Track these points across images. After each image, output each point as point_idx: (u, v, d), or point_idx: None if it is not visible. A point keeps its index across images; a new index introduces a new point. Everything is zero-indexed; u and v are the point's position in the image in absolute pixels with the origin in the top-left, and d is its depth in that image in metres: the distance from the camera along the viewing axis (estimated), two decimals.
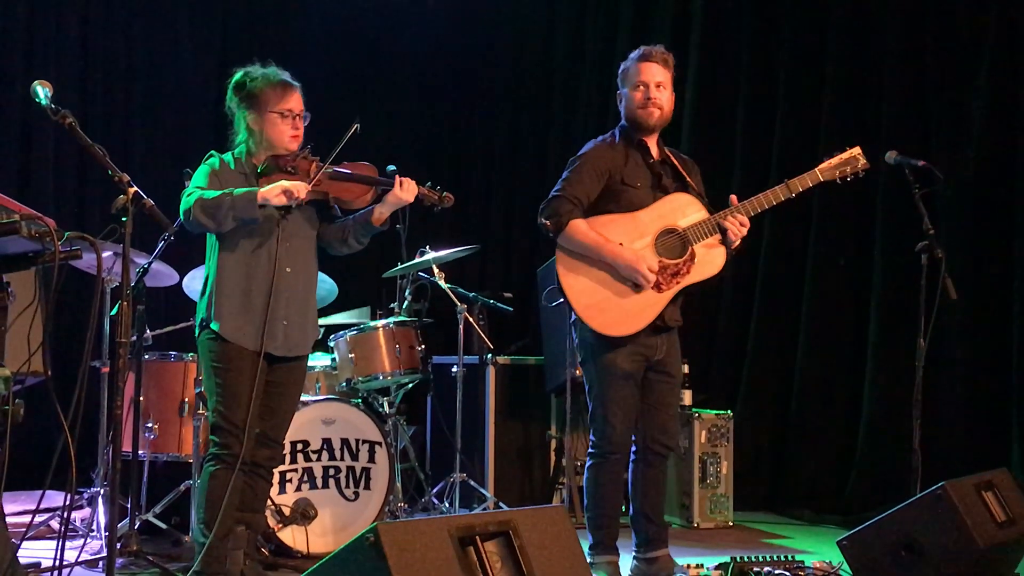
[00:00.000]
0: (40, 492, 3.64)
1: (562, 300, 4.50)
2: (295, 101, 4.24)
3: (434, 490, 6.17)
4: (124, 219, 3.29)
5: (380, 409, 5.85)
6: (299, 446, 5.20)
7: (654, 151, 4.57)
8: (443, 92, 8.79)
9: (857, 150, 4.53)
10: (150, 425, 5.38)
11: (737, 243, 4.43)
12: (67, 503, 3.47)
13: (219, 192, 4.04)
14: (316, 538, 5.11)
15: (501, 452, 6.56)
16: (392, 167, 4.58)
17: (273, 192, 4.01)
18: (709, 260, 4.39)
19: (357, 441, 5.37)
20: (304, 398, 5.33)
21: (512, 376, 6.68)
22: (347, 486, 5.32)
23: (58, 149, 7.34)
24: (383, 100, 8.53)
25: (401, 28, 8.48)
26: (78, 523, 5.41)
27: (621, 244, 4.38)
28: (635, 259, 4.33)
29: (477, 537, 2.91)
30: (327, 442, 5.28)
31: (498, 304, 6.54)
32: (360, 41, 8.48)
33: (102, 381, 5.44)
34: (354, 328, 5.70)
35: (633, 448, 4.58)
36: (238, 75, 4.28)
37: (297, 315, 4.28)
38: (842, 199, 6.83)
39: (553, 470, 6.74)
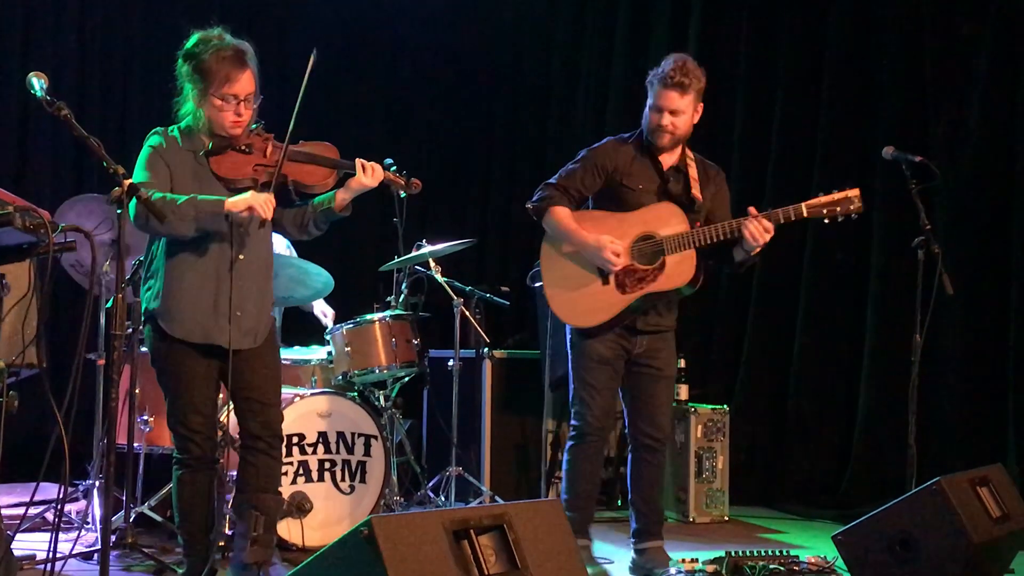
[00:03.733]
0: (44, 484, 3.64)
1: (540, 284, 4.63)
2: (241, 85, 3.89)
3: (430, 484, 6.17)
4: (119, 211, 3.28)
5: (376, 403, 5.85)
6: (295, 439, 5.19)
7: (667, 159, 4.58)
8: (442, 84, 8.77)
9: (856, 192, 4.42)
10: (145, 418, 5.37)
11: (755, 245, 4.35)
12: (61, 495, 3.46)
13: (184, 198, 3.76)
14: (312, 531, 5.11)
15: (497, 446, 6.55)
16: (389, 160, 4.56)
17: (239, 206, 3.75)
18: (677, 272, 4.42)
19: (353, 435, 5.36)
20: (300, 391, 5.34)
21: (508, 370, 6.68)
22: (343, 479, 5.31)
23: (56, 140, 7.33)
24: (381, 92, 8.52)
25: (400, 20, 8.46)
26: (74, 515, 5.41)
27: None
28: (599, 242, 4.41)
29: (471, 531, 2.91)
30: (323, 435, 5.28)
31: (495, 298, 6.53)
32: (359, 33, 8.45)
33: (98, 373, 5.44)
34: (350, 321, 5.70)
35: (630, 441, 4.65)
36: (191, 41, 3.97)
37: (252, 305, 4.03)
38: None
39: (549, 464, 6.74)
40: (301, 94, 3.90)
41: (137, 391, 5.19)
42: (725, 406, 6.54)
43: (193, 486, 4.01)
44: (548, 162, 8.15)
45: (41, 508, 5.44)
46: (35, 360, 3.99)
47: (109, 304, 4.64)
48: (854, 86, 6.87)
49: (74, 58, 7.50)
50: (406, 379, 5.95)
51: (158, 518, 5.32)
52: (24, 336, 3.17)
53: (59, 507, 3.53)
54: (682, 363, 6.63)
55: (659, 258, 4.41)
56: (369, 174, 4.01)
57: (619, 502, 6.79)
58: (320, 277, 5.61)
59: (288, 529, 5.07)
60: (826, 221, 4.41)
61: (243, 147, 3.96)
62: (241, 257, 3.96)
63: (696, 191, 4.52)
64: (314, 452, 5.25)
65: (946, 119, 6.43)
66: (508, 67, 8.69)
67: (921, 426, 4.97)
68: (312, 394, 5.33)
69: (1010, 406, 6.06)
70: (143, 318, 4.05)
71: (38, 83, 3.37)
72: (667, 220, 4.44)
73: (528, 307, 7.28)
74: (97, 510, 5.19)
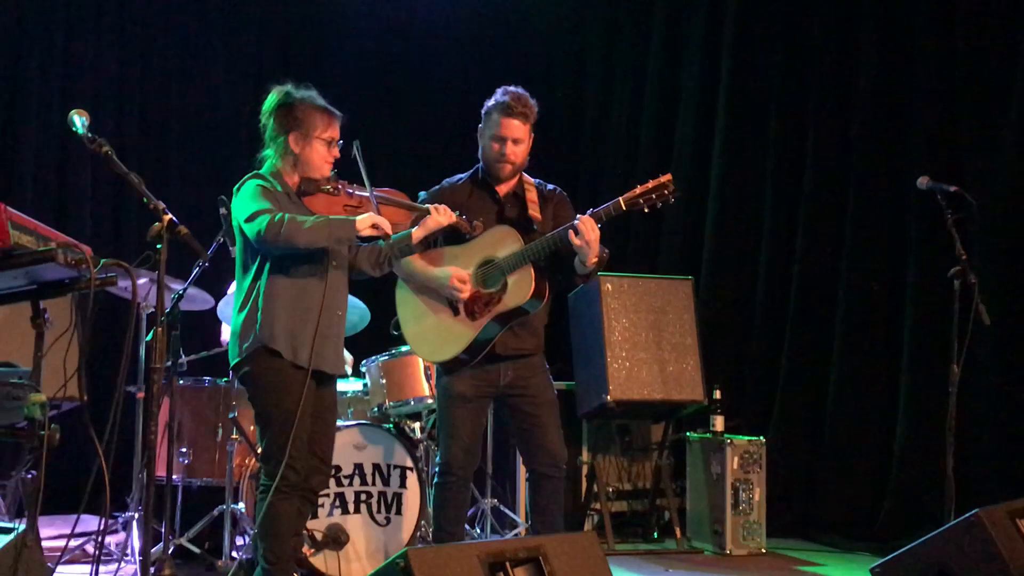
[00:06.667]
0: (75, 516, 3.67)
1: (399, 332, 4.74)
2: (337, 129, 4.29)
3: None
4: (159, 246, 3.32)
5: (411, 434, 5.86)
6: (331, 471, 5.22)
7: (504, 188, 4.68)
8: (474, 114, 8.81)
9: (668, 177, 4.41)
10: (184, 450, 5.42)
11: (584, 246, 4.32)
12: (101, 527, 3.50)
13: (315, 218, 4.06)
14: (348, 563, 5.13)
15: None
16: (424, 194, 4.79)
17: (366, 224, 4.08)
18: (518, 288, 4.47)
19: (388, 466, 5.39)
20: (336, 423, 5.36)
21: None
22: (379, 511, 5.33)
23: (95, 175, 7.43)
24: (414, 121, 8.58)
25: (432, 50, 8.53)
26: (113, 547, 5.45)
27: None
28: (444, 273, 4.52)
29: (507, 563, 2.93)
30: (359, 467, 5.30)
31: None
32: (391, 64, 8.53)
33: (137, 406, 5.49)
34: (385, 353, 5.73)
35: (527, 471, 4.69)
36: (279, 96, 4.26)
37: (342, 334, 4.37)
38: (874, 224, 6.83)
39: (584, 496, 6.73)
40: (365, 176, 4.24)
41: (176, 424, 5.24)
42: (761, 437, 6.50)
43: (288, 511, 4.13)
44: (580, 192, 8.17)
45: (81, 540, 5.48)
46: (76, 393, 4.04)
47: (149, 337, 4.69)
48: (887, 115, 6.85)
49: (113, 92, 7.61)
50: None
51: (196, 550, 5.36)
52: (66, 370, 3.21)
53: (100, 539, 3.57)
54: (717, 394, 6.61)
55: (501, 279, 4.50)
56: (443, 215, 4.32)
57: (655, 534, 6.77)
58: (356, 310, 5.66)
59: (325, 561, 5.09)
60: (646, 210, 4.40)
61: (332, 190, 4.27)
62: (337, 291, 4.28)
63: (533, 212, 4.61)
64: (350, 484, 5.27)
65: (980, 148, 6.40)
66: (540, 97, 8.71)
67: (959, 457, 4.93)
68: (348, 426, 5.36)
69: None
70: (244, 352, 4.15)
71: (80, 121, 3.41)
72: (503, 242, 4.52)
73: (561, 339, 7.29)
74: (136, 542, 5.23)
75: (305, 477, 4.19)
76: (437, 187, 4.74)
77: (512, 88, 4.66)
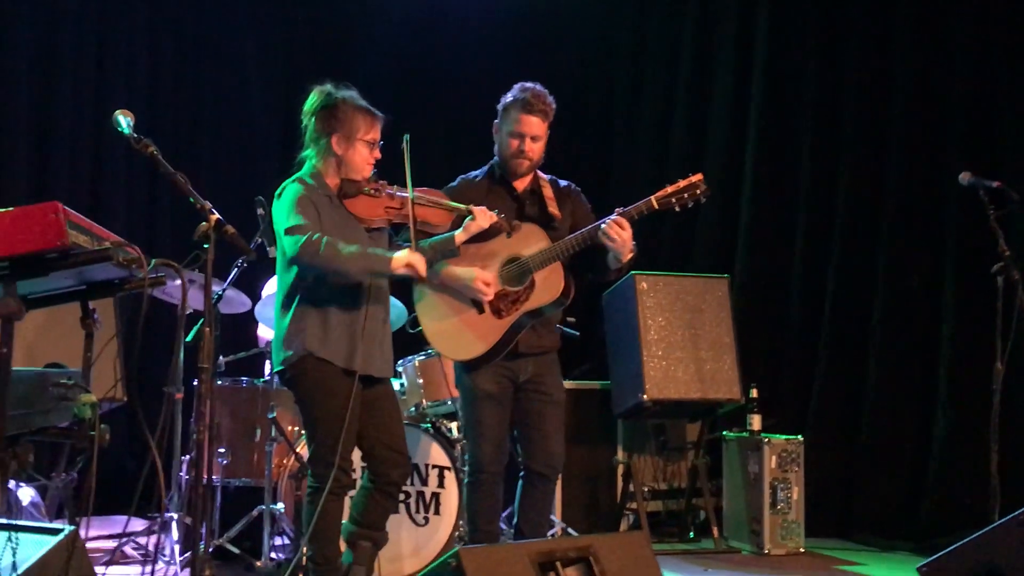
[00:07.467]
0: (115, 517, 3.68)
1: (420, 328, 4.67)
2: (379, 131, 4.26)
3: (503, 515, 6.15)
4: (206, 246, 3.30)
5: (448, 434, 5.85)
6: None
7: (521, 185, 4.67)
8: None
9: (699, 176, 4.42)
10: (222, 450, 5.42)
11: (618, 245, 4.34)
12: (154, 528, 3.51)
13: (353, 247, 4.03)
14: (387, 564, 5.10)
15: (568, 477, 6.48)
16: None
17: (400, 262, 4.05)
18: (547, 287, 4.45)
19: (426, 466, 5.38)
20: None
21: (577, 400, 6.65)
22: (417, 511, 5.33)
23: (129, 175, 7.44)
24: (444, 126, 8.57)
25: (463, 49, 8.51)
26: (150, 548, 5.45)
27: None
28: (468, 274, 4.45)
29: (557, 563, 2.92)
30: None
31: (563, 328, 6.50)
32: (421, 62, 8.53)
33: (175, 407, 5.49)
34: (422, 353, 5.72)
35: (522, 468, 4.67)
36: (321, 96, 4.22)
37: (388, 336, 4.36)
38: (913, 220, 6.77)
39: (620, 495, 6.70)
40: (409, 176, 4.20)
41: (215, 424, 5.24)
42: (799, 436, 6.45)
43: (337, 513, 4.16)
44: (611, 191, 8.15)
45: (122, 540, 5.48)
46: (116, 394, 4.04)
47: (189, 338, 4.69)
48: (926, 110, 6.80)
49: (145, 93, 7.62)
50: None
51: (235, 550, 5.35)
52: (116, 370, 3.21)
53: (156, 539, 3.57)
54: (754, 393, 6.57)
55: (528, 277, 4.47)
56: (485, 218, 4.28)
57: (691, 534, 6.74)
58: (393, 309, 5.64)
59: None
60: (677, 209, 4.40)
61: (373, 192, 4.24)
62: (380, 295, 4.28)
63: (553, 208, 4.60)
64: None
65: (1022, 143, 6.34)
66: (570, 101, 8.69)
67: (1003, 455, 4.89)
68: None
69: None
70: (290, 358, 4.13)
71: (125, 121, 3.38)
72: (528, 239, 4.49)
73: (595, 338, 7.27)
74: (176, 543, 5.23)
75: (384, 471, 4.22)
76: (454, 184, 4.71)
77: (530, 84, 4.65)
